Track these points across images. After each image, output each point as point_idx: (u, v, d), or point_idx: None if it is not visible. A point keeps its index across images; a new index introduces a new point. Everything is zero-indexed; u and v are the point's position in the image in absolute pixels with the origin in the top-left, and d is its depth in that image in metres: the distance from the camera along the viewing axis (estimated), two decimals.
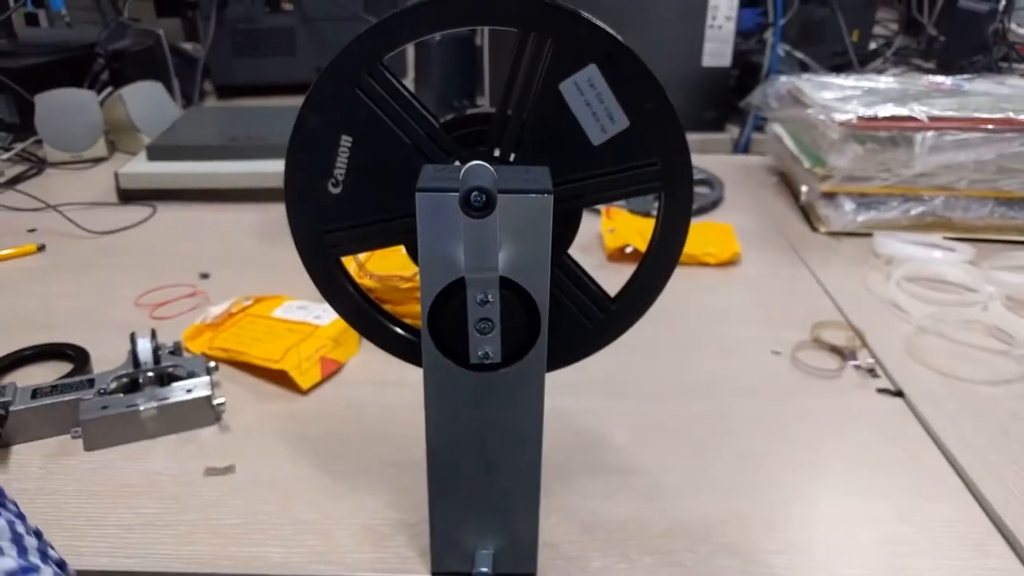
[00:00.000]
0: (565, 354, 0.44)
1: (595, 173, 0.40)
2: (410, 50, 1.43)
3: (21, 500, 0.51)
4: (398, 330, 0.46)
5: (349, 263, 0.71)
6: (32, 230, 0.92)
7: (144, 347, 0.62)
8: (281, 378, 0.64)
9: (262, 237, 0.91)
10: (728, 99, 1.31)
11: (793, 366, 0.68)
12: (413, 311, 0.70)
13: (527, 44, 0.38)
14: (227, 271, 0.82)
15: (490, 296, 0.37)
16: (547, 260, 0.37)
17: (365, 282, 0.70)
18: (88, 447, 0.56)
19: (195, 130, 1.07)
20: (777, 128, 1.12)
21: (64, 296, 0.78)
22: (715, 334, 0.73)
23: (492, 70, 1.28)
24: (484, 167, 0.33)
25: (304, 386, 0.63)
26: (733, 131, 1.31)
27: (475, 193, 0.31)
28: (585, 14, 0.38)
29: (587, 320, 0.44)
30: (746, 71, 1.36)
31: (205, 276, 0.81)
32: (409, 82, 1.49)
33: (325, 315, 0.69)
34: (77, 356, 0.66)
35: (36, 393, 0.58)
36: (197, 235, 0.92)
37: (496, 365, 0.39)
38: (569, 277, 0.43)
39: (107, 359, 0.66)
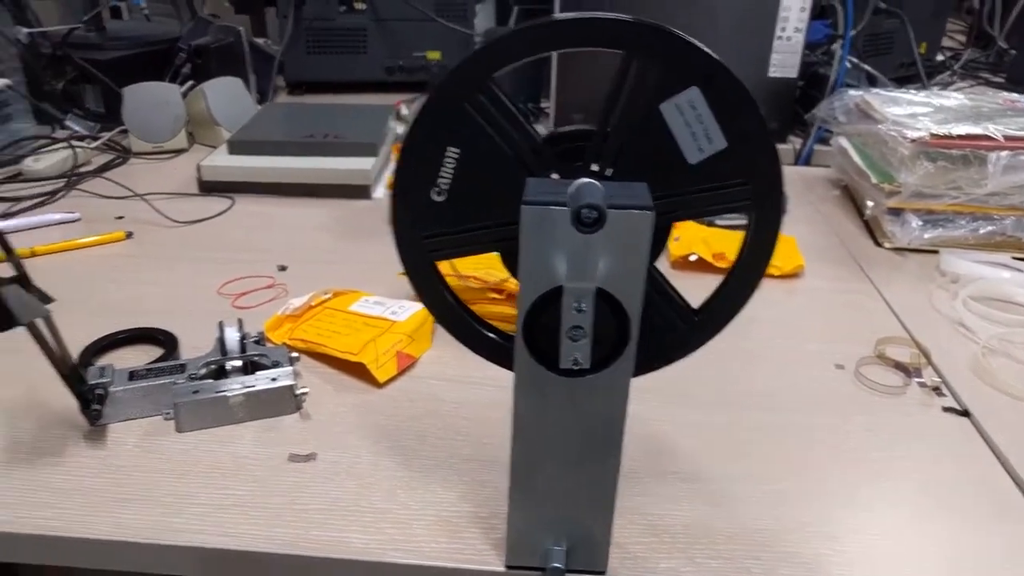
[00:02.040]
0: (648, 362, 0.46)
1: (689, 190, 0.42)
2: None
3: (117, 476, 0.55)
4: (489, 334, 0.47)
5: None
6: (120, 217, 0.96)
7: (231, 336, 0.65)
8: (358, 370, 0.66)
9: (336, 233, 0.94)
10: (792, 110, 1.30)
11: (857, 381, 0.69)
12: (485, 310, 0.73)
13: (631, 65, 0.40)
14: (303, 265, 0.85)
15: (584, 305, 0.39)
16: (642, 273, 0.38)
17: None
18: (180, 428, 0.60)
19: (272, 126, 1.10)
20: (843, 141, 1.11)
21: (151, 283, 0.82)
22: (778, 346, 0.74)
23: (560, 73, 1.30)
24: (594, 185, 0.35)
25: (381, 379, 0.65)
26: (795, 142, 1.30)
27: (587, 210, 0.33)
28: (690, 38, 0.39)
29: (670, 330, 0.45)
30: (811, 82, 1.36)
31: (283, 268, 0.84)
32: None
33: (401, 311, 0.71)
34: (167, 341, 0.69)
35: (133, 375, 0.61)
36: (274, 228, 0.95)
37: (585, 371, 0.41)
38: (655, 288, 0.44)
39: (193, 345, 0.70)
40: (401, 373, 0.67)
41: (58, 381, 0.57)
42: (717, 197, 0.42)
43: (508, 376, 0.44)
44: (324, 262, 0.87)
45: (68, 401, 0.59)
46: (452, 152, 0.42)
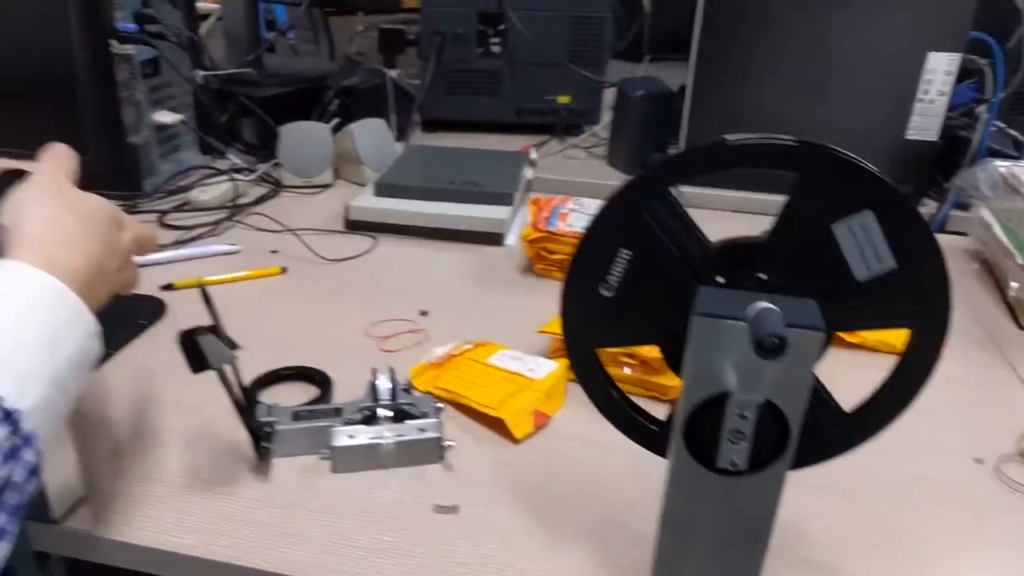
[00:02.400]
0: (800, 460, 0.47)
1: (854, 304, 0.43)
2: (608, 99, 1.48)
3: (283, 511, 0.60)
4: (643, 420, 0.50)
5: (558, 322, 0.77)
6: (274, 251, 1.04)
7: (383, 384, 0.69)
8: (496, 424, 0.70)
9: (471, 279, 0.99)
10: (930, 173, 1.27)
11: (996, 478, 0.67)
12: (615, 373, 0.75)
13: (807, 186, 0.42)
14: (443, 310, 0.90)
15: (747, 413, 0.41)
16: (807, 388, 0.40)
17: None
18: (335, 470, 0.65)
19: (414, 170, 1.16)
20: (985, 214, 1.08)
21: (303, 319, 0.88)
22: (911, 433, 0.72)
23: (691, 125, 1.31)
24: (775, 312, 0.37)
25: (518, 435, 0.69)
26: (930, 205, 1.27)
27: (771, 338, 0.35)
28: (866, 164, 0.41)
29: (824, 433, 0.46)
30: (951, 144, 1.32)
31: (424, 313, 0.89)
32: (604, 128, 1.55)
33: (538, 368, 0.75)
34: (322, 382, 0.75)
35: (296, 415, 0.67)
36: (414, 270, 1.01)
37: (741, 472, 0.43)
38: (813, 393, 0.46)
39: (344, 384, 0.75)
40: (537, 430, 0.70)
41: (229, 414, 0.63)
42: (882, 312, 0.43)
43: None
44: (462, 309, 0.91)
45: (237, 434, 0.65)
46: (625, 253, 0.45)
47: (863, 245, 0.42)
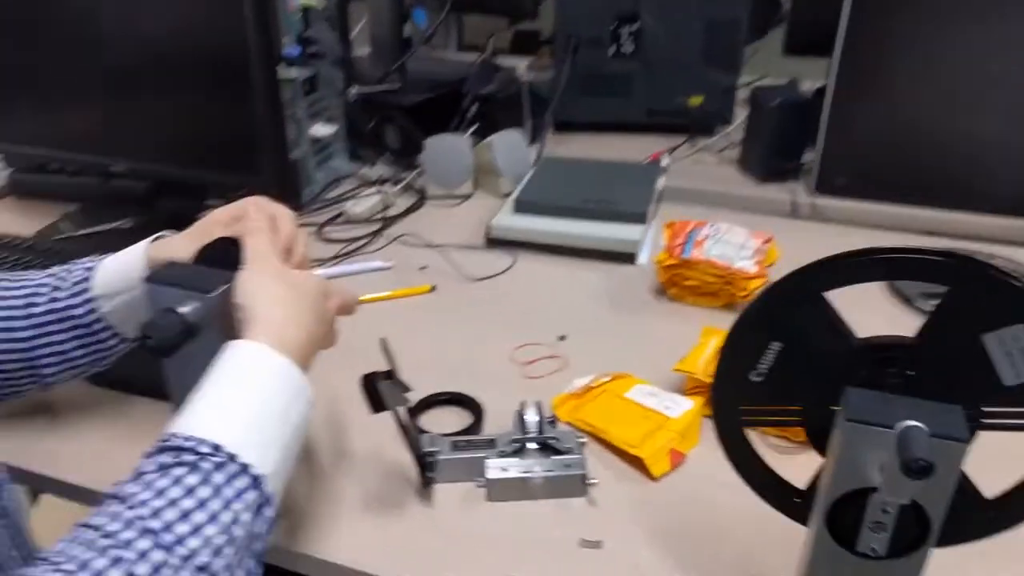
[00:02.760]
0: (942, 540, 0.49)
1: (999, 407, 0.45)
2: (743, 112, 1.47)
3: (447, 537, 0.67)
4: (791, 497, 0.53)
5: (695, 360, 0.80)
6: (423, 268, 1.12)
7: (531, 418, 0.76)
8: (634, 459, 0.75)
9: (608, 302, 1.03)
10: None
11: None
12: None
13: (958, 295, 0.44)
14: (580, 335, 0.95)
15: (890, 509, 0.44)
16: (950, 490, 0.43)
17: (708, 380, 0.79)
18: (489, 498, 0.71)
19: (551, 185, 1.21)
20: None
21: (451, 340, 0.95)
22: None
23: (829, 134, 1.29)
24: (921, 432, 0.39)
25: (656, 474, 0.73)
26: None
27: (918, 463, 0.38)
28: (1019, 279, 0.42)
29: (966, 520, 0.49)
30: None
31: (562, 338, 0.95)
32: (737, 129, 1.54)
33: (674, 406, 0.79)
34: (475, 410, 0.82)
35: (455, 446, 0.74)
36: (553, 290, 1.06)
37: (880, 557, 0.46)
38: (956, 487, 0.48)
39: (491, 408, 0.82)
40: (673, 468, 0.75)
41: (392, 438, 0.71)
42: None
43: None
44: (597, 334, 0.96)
45: (400, 457, 0.73)
46: (775, 345, 0.49)
47: (1015, 355, 0.43)
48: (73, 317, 0.73)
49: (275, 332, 0.57)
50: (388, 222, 1.24)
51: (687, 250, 0.98)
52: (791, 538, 0.64)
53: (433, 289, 1.06)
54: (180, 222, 1.23)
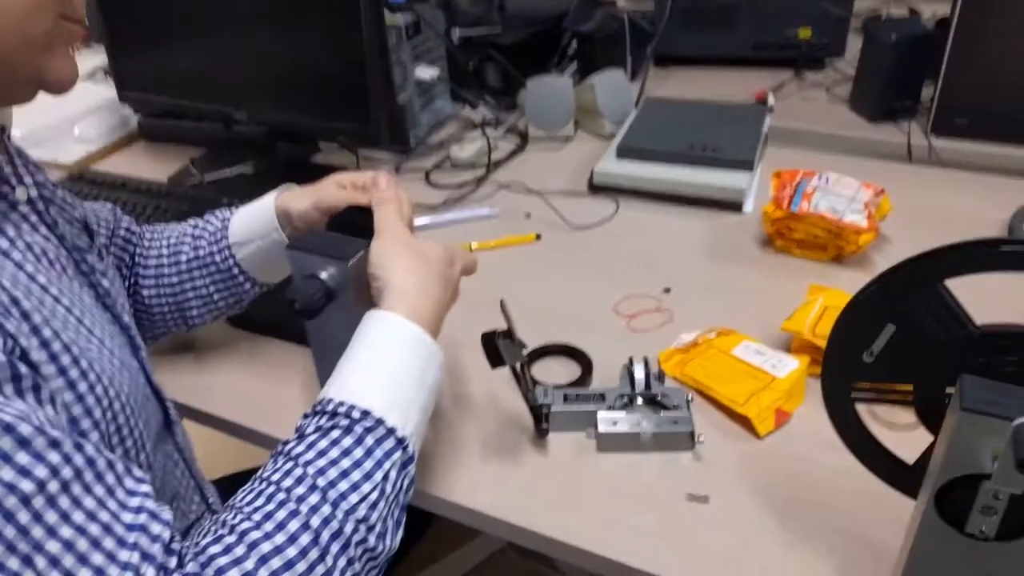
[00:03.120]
0: None
1: None
2: (855, 42, 1.40)
3: (560, 484, 0.73)
4: (898, 469, 0.56)
5: (803, 319, 0.81)
6: (528, 215, 1.15)
7: (640, 374, 0.79)
8: (740, 417, 0.78)
9: (713, 253, 1.04)
10: None
11: None
12: None
13: None
14: (685, 287, 0.97)
15: (1001, 495, 0.46)
16: None
17: (816, 340, 0.80)
18: (600, 449, 0.76)
19: (655, 131, 1.21)
20: None
21: (557, 291, 0.99)
22: None
23: (950, 67, 1.23)
24: None
25: (761, 433, 0.76)
26: None
27: None
28: None
29: None
30: None
31: (667, 291, 0.97)
32: (849, 63, 1.48)
33: (780, 365, 0.81)
34: (584, 363, 0.86)
35: (566, 398, 0.79)
36: (656, 239, 1.08)
37: (989, 539, 0.48)
38: None
39: (597, 361, 0.86)
40: (777, 427, 0.77)
41: (505, 385, 0.77)
42: None
43: None
44: (703, 287, 0.97)
45: (514, 405, 0.79)
46: (890, 328, 0.50)
47: None
48: (214, 263, 0.81)
49: (410, 302, 0.62)
50: (492, 167, 1.27)
51: (796, 202, 0.98)
52: (894, 502, 0.66)
53: (538, 237, 1.09)
54: (296, 167, 1.30)
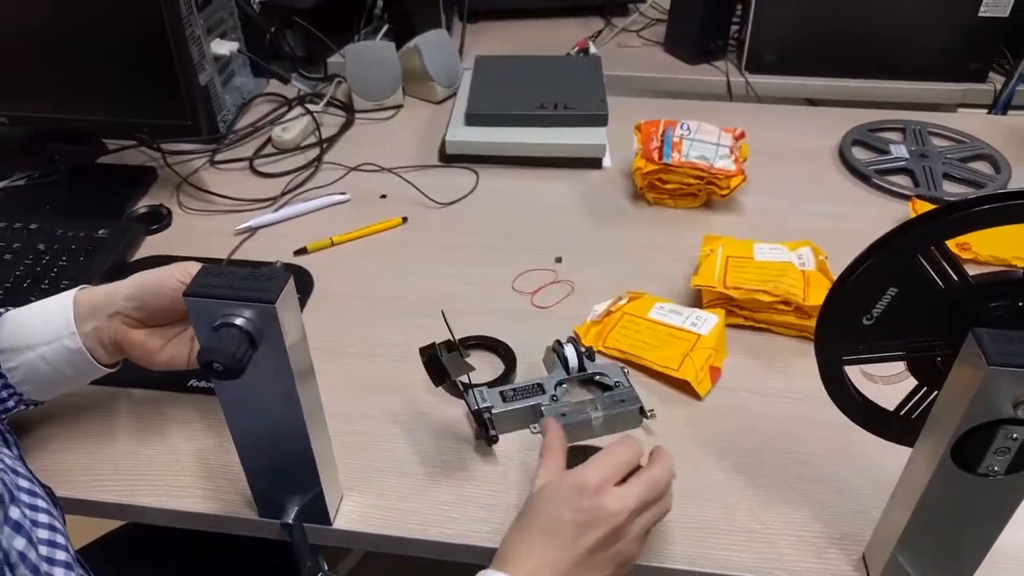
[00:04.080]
0: None
1: None
2: None
3: (516, 486, 0.67)
4: (886, 420, 0.56)
5: (711, 273, 0.81)
6: (383, 196, 1.05)
7: (572, 354, 0.75)
8: (673, 381, 0.76)
9: (588, 213, 1.02)
10: (998, 49, 1.28)
11: None
12: (771, 319, 0.81)
13: None
14: (575, 254, 0.94)
15: (1018, 436, 0.48)
16: None
17: (730, 292, 0.81)
18: None
19: (499, 92, 1.14)
20: None
21: (448, 276, 0.91)
22: None
23: (758, 9, 1.29)
24: None
25: (701, 393, 0.75)
26: (996, 81, 1.29)
27: None
28: None
29: None
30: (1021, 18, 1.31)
31: (559, 260, 0.93)
32: (651, 6, 1.51)
33: (700, 323, 0.80)
34: (507, 356, 0.80)
35: (504, 397, 0.72)
36: (528, 207, 1.03)
37: (996, 475, 0.50)
38: None
39: (514, 347, 0.80)
40: (713, 385, 0.77)
41: (423, 389, 0.73)
42: None
43: (808, 389, 0.69)
44: (592, 252, 0.94)
45: (441, 411, 0.74)
46: (892, 291, 0.50)
47: None
48: None
49: None
50: (323, 147, 1.14)
51: (666, 154, 0.98)
52: (845, 438, 0.70)
53: (405, 221, 1.00)
54: (82, 173, 1.08)
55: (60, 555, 0.52)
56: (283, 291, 0.52)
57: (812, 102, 1.34)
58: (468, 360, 0.67)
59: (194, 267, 0.59)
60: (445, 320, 0.64)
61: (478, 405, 0.70)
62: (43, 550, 0.51)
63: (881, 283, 0.50)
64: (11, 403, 0.65)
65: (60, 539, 0.53)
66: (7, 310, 0.66)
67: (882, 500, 0.59)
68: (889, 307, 0.51)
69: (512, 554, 0.54)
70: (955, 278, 0.49)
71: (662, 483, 0.58)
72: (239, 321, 0.52)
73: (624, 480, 0.57)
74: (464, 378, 0.68)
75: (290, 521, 0.64)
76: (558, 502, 0.55)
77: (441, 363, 0.63)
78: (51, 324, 0.63)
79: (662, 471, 0.58)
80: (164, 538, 0.81)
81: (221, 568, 0.83)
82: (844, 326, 0.53)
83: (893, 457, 0.61)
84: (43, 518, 0.53)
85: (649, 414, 0.72)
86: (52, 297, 0.65)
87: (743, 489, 0.68)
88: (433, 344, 0.64)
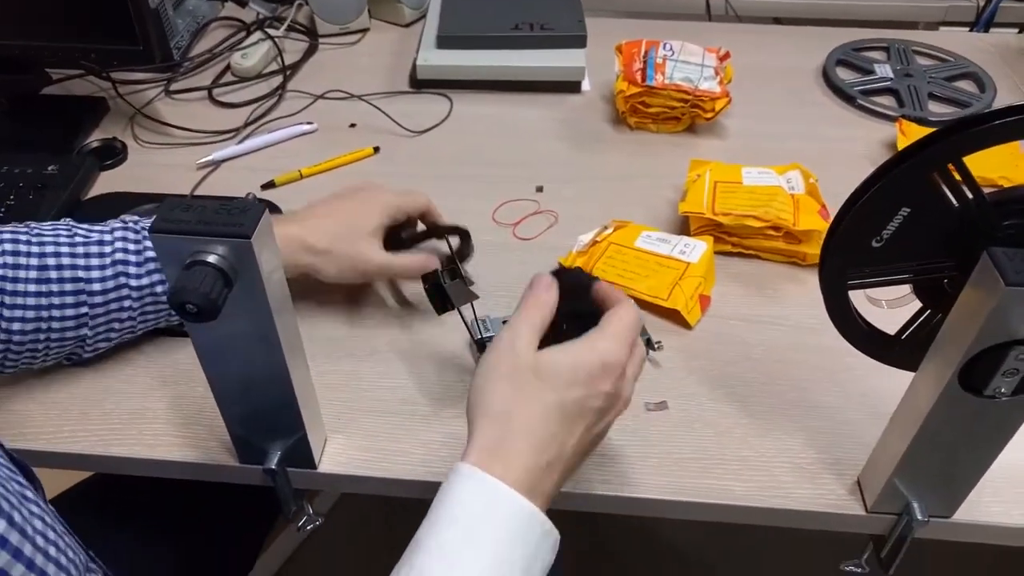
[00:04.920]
0: None
1: None
2: None
3: None
4: (888, 344, 0.55)
5: (699, 199, 0.79)
6: (352, 125, 1.00)
7: None
8: (663, 311, 0.75)
9: (568, 139, 0.98)
10: None
11: None
12: (761, 245, 0.80)
13: None
14: (556, 183, 0.90)
15: None
16: None
17: (719, 218, 0.79)
18: None
19: (471, 12, 1.08)
20: None
21: None
22: None
23: None
24: None
25: (692, 323, 0.74)
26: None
27: None
28: None
29: None
30: None
31: (540, 189, 0.89)
32: None
33: (689, 250, 0.78)
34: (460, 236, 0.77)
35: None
36: (506, 134, 0.98)
37: (1002, 397, 0.49)
38: None
39: (495, 280, 0.77)
40: (703, 314, 0.75)
41: (424, 320, 0.71)
42: None
43: (799, 316, 0.70)
44: (574, 180, 0.91)
45: (443, 342, 0.71)
46: (904, 211, 0.48)
47: None
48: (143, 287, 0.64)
49: (501, 464, 0.46)
50: (287, 74, 1.07)
51: (650, 76, 0.94)
52: (837, 364, 0.70)
53: (377, 150, 0.95)
54: (26, 103, 1.01)
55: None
56: (259, 225, 0.48)
57: (785, 21, 1.30)
58: (472, 288, 0.64)
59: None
60: (449, 245, 0.61)
61: (481, 335, 0.67)
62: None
63: (893, 202, 0.48)
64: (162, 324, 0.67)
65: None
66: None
67: (875, 425, 0.59)
68: (900, 228, 0.48)
69: (520, 445, 0.47)
70: (969, 196, 0.47)
71: (643, 359, 0.55)
72: (212, 258, 0.48)
73: None
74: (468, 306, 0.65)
75: (273, 467, 0.61)
76: (589, 384, 0.48)
77: (444, 291, 0.60)
78: None
79: (642, 348, 0.54)
80: (133, 488, 0.78)
81: (196, 516, 0.81)
82: (852, 248, 0.51)
83: (885, 381, 0.60)
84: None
85: (656, 346, 0.70)
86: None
87: (736, 417, 0.67)
88: (436, 271, 0.61)
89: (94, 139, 0.96)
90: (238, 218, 0.48)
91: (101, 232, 0.64)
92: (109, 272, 0.63)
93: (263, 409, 0.58)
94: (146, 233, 0.64)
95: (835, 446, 0.64)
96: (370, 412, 0.67)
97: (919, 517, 0.58)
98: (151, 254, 0.64)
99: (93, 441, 0.65)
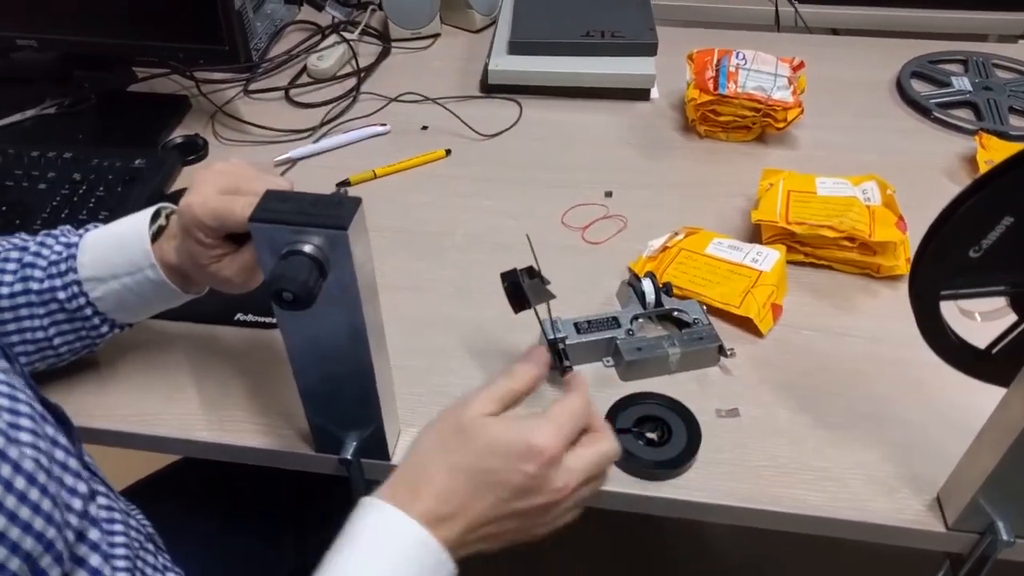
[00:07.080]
0: None
1: None
2: None
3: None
4: (980, 359, 0.54)
5: (772, 207, 0.79)
6: (424, 128, 1.01)
7: (649, 289, 0.72)
8: (733, 319, 0.74)
9: (637, 146, 0.98)
10: None
11: None
12: (835, 256, 0.79)
13: None
14: (625, 188, 0.90)
15: None
16: None
17: (792, 228, 0.78)
18: (624, 378, 0.70)
19: (543, 19, 1.09)
20: None
21: (497, 211, 0.88)
22: None
23: None
24: None
25: (764, 331, 0.73)
26: None
27: None
28: None
29: None
30: None
31: (609, 195, 0.90)
32: None
33: (761, 259, 0.77)
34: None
35: (578, 328, 0.70)
36: (575, 140, 0.99)
37: None
38: None
39: (567, 284, 0.77)
40: (775, 323, 0.75)
41: (500, 317, 0.69)
42: None
43: (873, 328, 0.69)
44: (644, 186, 0.91)
45: (513, 338, 0.73)
46: (1007, 220, 0.47)
47: None
48: (55, 301, 0.61)
49: (430, 497, 0.48)
50: (361, 76, 1.10)
51: (722, 84, 0.93)
52: (912, 377, 0.69)
53: (448, 153, 0.97)
54: (113, 101, 1.05)
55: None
56: (355, 217, 0.50)
57: (854, 33, 1.29)
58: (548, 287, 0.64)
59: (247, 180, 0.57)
60: (531, 245, 0.62)
61: (554, 335, 0.68)
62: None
63: (998, 211, 0.47)
64: (104, 328, 0.63)
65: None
66: (87, 230, 0.63)
67: (954, 440, 0.58)
68: (1001, 238, 0.48)
69: (426, 490, 0.48)
70: None
71: (609, 460, 0.52)
72: (308, 248, 0.50)
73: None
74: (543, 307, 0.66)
75: (348, 457, 0.63)
76: (507, 459, 0.48)
77: (523, 290, 0.61)
78: (130, 253, 0.60)
79: (613, 446, 0.52)
80: (214, 475, 0.80)
81: (272, 503, 0.83)
82: (947, 259, 0.50)
83: (964, 396, 0.59)
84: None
85: (729, 353, 0.70)
86: (127, 220, 0.62)
87: (811, 428, 0.66)
88: (515, 270, 0.62)
89: (177, 135, 1.00)
90: (335, 210, 0.50)
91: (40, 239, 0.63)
92: (16, 276, 0.61)
93: (344, 398, 0.59)
94: (81, 236, 0.62)
95: (913, 460, 0.63)
96: (442, 407, 0.68)
97: (1004, 537, 0.57)
98: (74, 262, 0.61)
99: (176, 425, 0.67)
